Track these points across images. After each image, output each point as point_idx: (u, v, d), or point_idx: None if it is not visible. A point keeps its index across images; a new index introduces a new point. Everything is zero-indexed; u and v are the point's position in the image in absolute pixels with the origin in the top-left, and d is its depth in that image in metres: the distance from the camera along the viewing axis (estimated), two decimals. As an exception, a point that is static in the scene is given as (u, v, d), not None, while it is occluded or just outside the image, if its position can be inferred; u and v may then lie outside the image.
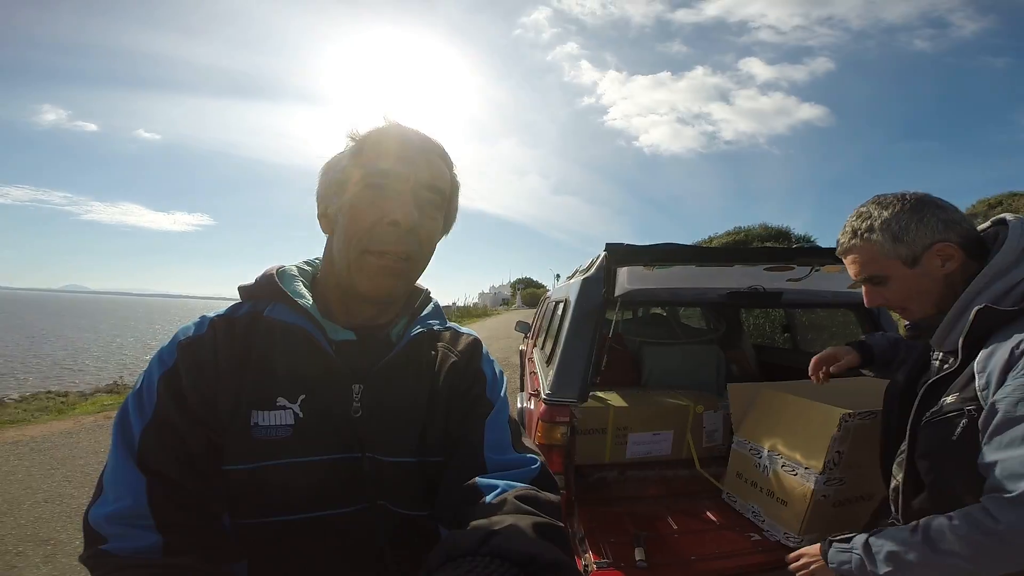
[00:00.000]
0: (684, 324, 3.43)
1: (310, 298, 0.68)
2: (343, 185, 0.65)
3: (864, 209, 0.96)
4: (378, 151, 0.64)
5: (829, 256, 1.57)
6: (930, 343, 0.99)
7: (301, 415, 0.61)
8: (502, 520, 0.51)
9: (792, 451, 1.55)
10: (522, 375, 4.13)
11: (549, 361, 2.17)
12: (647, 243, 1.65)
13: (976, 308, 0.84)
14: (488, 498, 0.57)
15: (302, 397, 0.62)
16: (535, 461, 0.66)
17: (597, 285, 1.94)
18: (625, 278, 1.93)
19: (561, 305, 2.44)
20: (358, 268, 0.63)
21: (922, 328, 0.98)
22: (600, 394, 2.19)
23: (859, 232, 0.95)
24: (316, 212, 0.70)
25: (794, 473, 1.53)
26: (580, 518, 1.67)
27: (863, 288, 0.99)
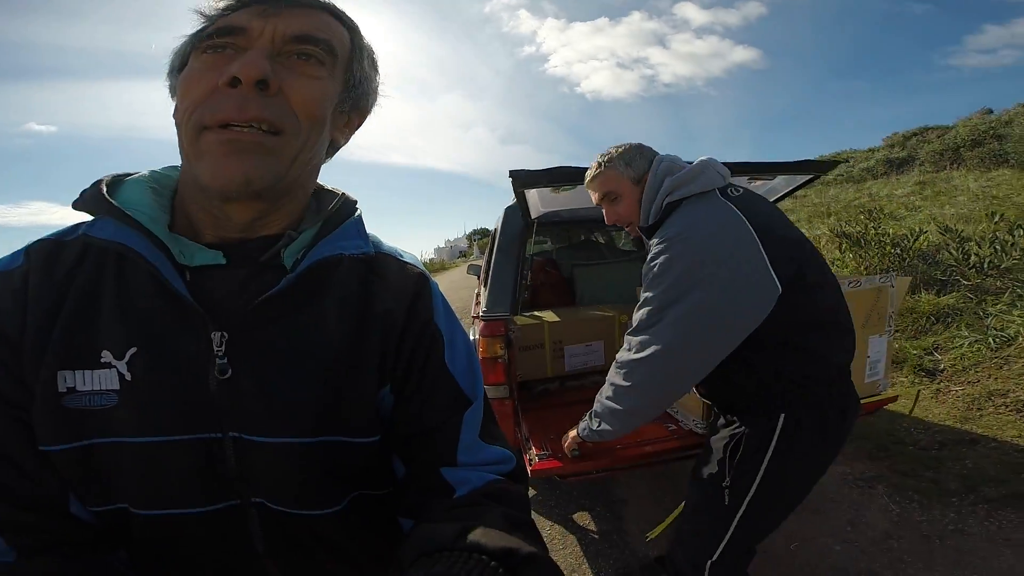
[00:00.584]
0: (615, 248, 3.69)
1: (153, 208, 0.49)
2: (183, 57, 0.49)
3: (603, 152, 1.35)
4: (220, 3, 0.48)
5: None
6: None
7: (129, 377, 0.45)
8: (475, 514, 0.47)
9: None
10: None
11: (485, 284, 2.41)
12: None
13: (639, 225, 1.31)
14: (458, 492, 0.52)
15: (132, 351, 0.45)
16: (509, 457, 0.58)
17: (516, 211, 2.20)
18: (537, 201, 2.13)
19: (493, 235, 2.61)
20: (197, 154, 0.46)
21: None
22: (537, 313, 2.39)
23: (602, 163, 1.33)
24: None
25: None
26: (525, 422, 1.91)
27: (604, 209, 1.37)
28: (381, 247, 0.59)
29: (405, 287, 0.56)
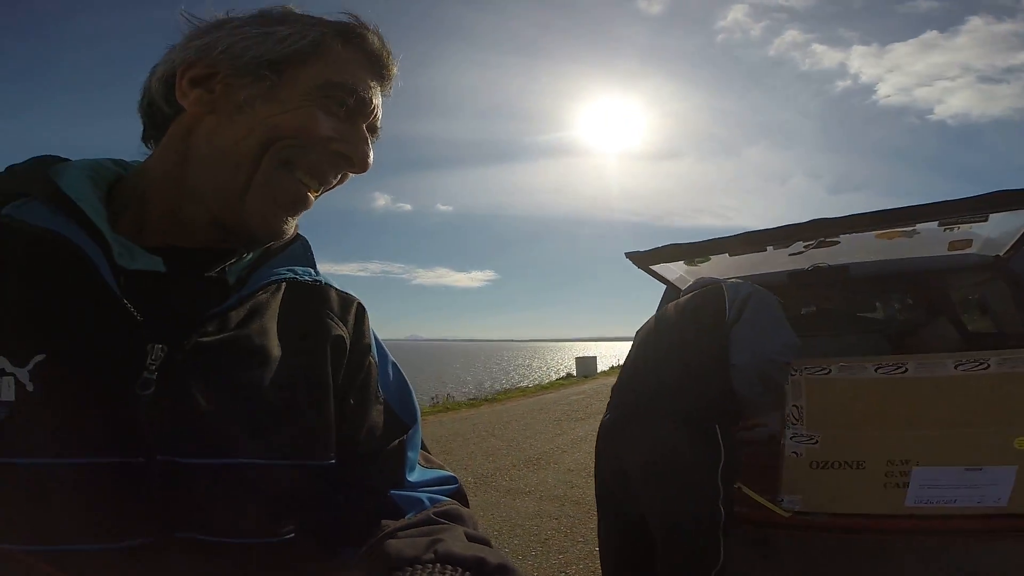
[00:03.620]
0: (859, 316, 3.05)
1: (95, 201, 0.46)
2: (288, 65, 0.48)
3: None
4: (357, 59, 0.51)
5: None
6: None
7: (31, 387, 0.39)
8: (436, 531, 0.46)
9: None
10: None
11: None
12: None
13: None
14: (409, 514, 0.51)
15: (38, 358, 0.40)
16: (452, 478, 0.59)
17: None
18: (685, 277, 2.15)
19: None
20: (262, 184, 0.47)
21: None
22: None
23: None
24: (168, 78, 0.49)
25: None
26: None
27: None
28: (322, 277, 0.57)
29: (348, 315, 0.57)
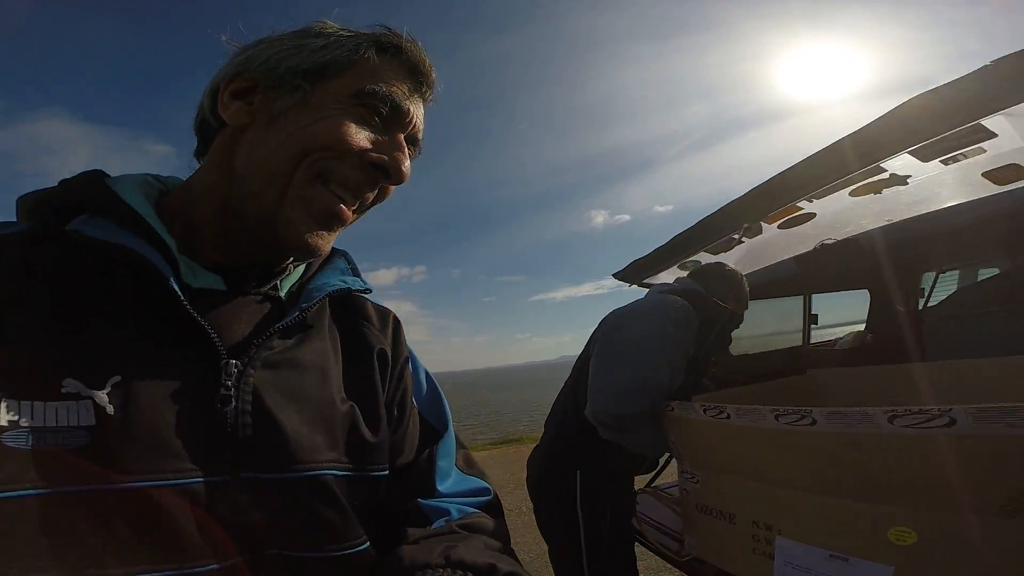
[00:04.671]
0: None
1: (156, 219, 0.44)
2: (322, 75, 0.47)
3: None
4: (393, 68, 0.50)
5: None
6: None
7: (111, 410, 0.37)
8: (455, 539, 0.48)
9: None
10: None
11: None
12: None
13: None
14: (435, 523, 0.51)
15: (115, 379, 0.37)
16: (487, 489, 0.59)
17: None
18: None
19: None
20: (299, 198, 0.46)
21: None
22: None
23: None
24: (216, 88, 0.49)
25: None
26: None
27: None
28: (367, 285, 0.58)
29: (387, 327, 0.59)
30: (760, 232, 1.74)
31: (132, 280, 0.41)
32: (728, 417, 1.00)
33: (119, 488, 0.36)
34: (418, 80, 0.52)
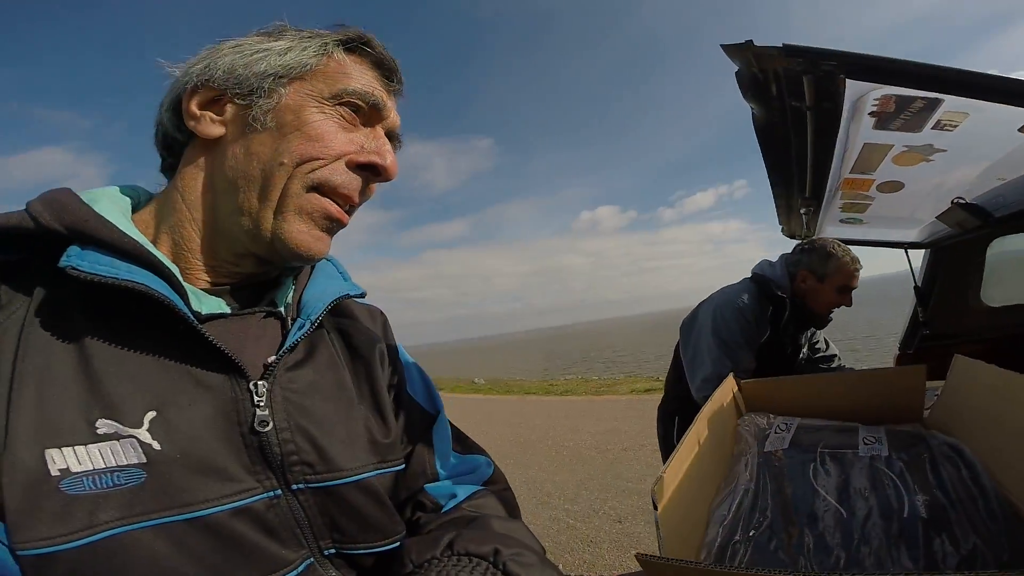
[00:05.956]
0: None
1: (152, 245, 0.44)
2: (293, 77, 0.47)
3: None
4: (362, 65, 0.50)
5: None
6: None
7: (157, 446, 0.38)
8: (463, 521, 0.51)
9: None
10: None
11: None
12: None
13: None
14: (446, 507, 0.54)
15: (151, 415, 0.39)
16: (487, 463, 0.61)
17: None
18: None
19: None
20: (295, 209, 0.46)
21: None
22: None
23: None
24: (177, 96, 0.48)
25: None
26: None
27: None
28: (357, 287, 0.58)
29: (377, 325, 0.61)
30: None
31: (141, 313, 0.40)
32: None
33: (188, 518, 0.38)
34: (387, 74, 0.52)
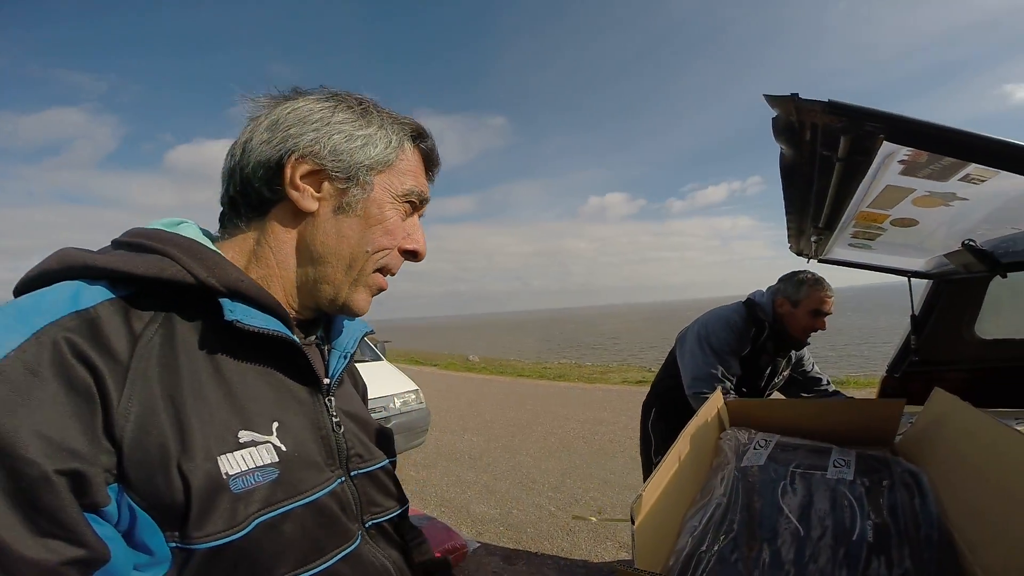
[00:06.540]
0: None
1: (278, 302, 0.54)
2: (380, 171, 0.57)
3: None
4: (419, 159, 0.61)
5: None
6: None
7: (284, 448, 0.50)
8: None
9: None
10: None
11: None
12: None
13: None
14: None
15: (276, 424, 0.50)
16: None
17: None
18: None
19: None
20: (364, 283, 0.59)
21: None
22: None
23: None
24: (277, 159, 0.54)
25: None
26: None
27: None
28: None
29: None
30: None
31: (268, 347, 0.52)
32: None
33: (306, 503, 0.51)
34: (433, 168, 0.64)
